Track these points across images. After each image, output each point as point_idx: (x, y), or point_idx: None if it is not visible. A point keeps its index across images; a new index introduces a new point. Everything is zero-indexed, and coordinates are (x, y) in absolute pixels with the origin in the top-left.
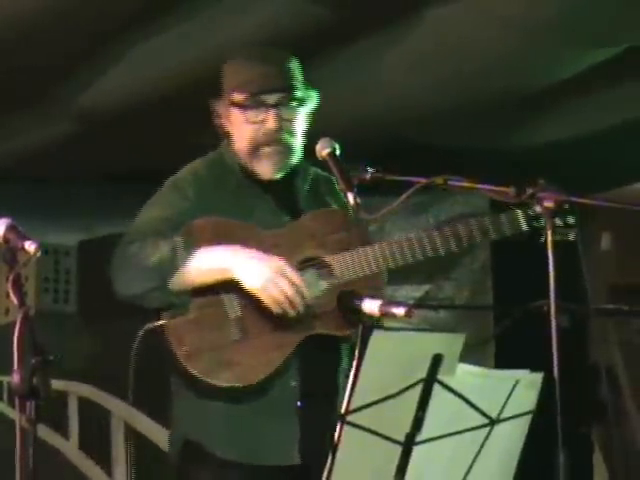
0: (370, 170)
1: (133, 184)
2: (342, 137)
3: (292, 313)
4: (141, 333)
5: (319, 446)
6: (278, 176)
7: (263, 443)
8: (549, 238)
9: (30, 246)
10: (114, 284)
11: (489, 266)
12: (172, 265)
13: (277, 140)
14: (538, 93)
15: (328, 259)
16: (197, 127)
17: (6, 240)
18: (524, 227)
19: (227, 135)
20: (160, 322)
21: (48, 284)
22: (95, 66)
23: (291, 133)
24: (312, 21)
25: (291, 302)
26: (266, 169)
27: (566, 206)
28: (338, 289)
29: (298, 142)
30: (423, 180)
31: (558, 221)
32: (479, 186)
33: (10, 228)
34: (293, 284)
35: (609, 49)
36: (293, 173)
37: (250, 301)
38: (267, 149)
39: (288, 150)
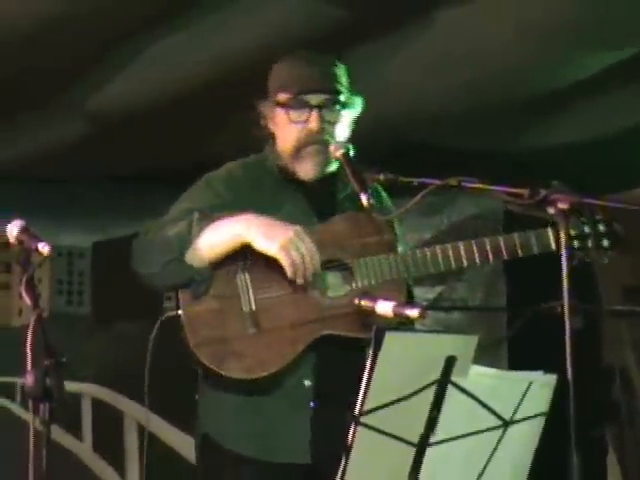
0: (384, 172)
1: (147, 185)
2: (355, 138)
3: (301, 280)
4: (160, 320)
5: (330, 448)
6: (318, 175)
7: (275, 440)
8: (563, 239)
9: (44, 248)
10: (138, 269)
11: (502, 267)
12: (188, 235)
13: (319, 141)
14: (550, 95)
15: (351, 262)
16: (208, 129)
17: (20, 242)
18: (553, 246)
19: (271, 136)
20: (178, 311)
21: (62, 286)
22: (105, 68)
23: (333, 135)
24: (324, 22)
25: (306, 266)
26: (307, 169)
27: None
28: (358, 292)
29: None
30: (437, 181)
31: (590, 243)
32: (493, 187)
33: (23, 230)
34: (310, 249)
35: (621, 51)
36: (334, 180)
37: (267, 295)
38: (309, 149)
39: (329, 152)
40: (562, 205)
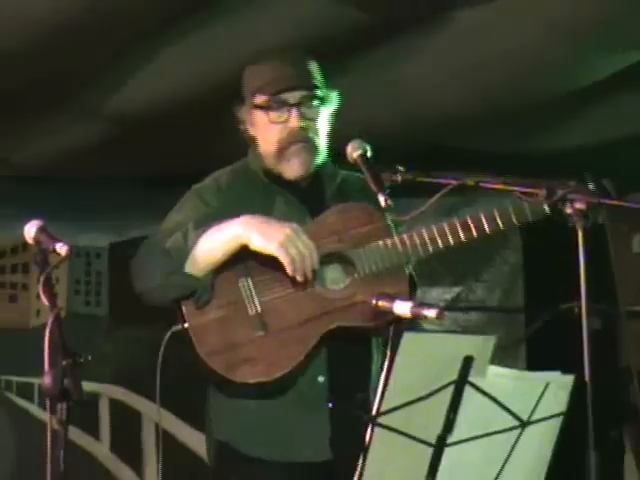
0: (401, 169)
1: (164, 186)
2: (372, 139)
3: (301, 277)
4: (167, 336)
5: (350, 442)
6: (304, 174)
7: (293, 439)
8: (580, 240)
9: (61, 248)
10: (137, 285)
11: (520, 267)
12: (185, 246)
13: (302, 138)
14: (569, 96)
15: (350, 253)
16: (228, 130)
17: (37, 242)
18: (547, 211)
19: (252, 140)
20: (184, 325)
21: (79, 286)
22: (124, 69)
23: (315, 132)
24: (342, 24)
25: (305, 263)
26: (293, 168)
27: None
28: (360, 282)
29: (323, 142)
30: (454, 182)
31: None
32: (511, 187)
33: (41, 230)
34: (308, 245)
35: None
36: (320, 177)
37: (271, 296)
38: (293, 147)
39: (314, 148)
40: (579, 205)
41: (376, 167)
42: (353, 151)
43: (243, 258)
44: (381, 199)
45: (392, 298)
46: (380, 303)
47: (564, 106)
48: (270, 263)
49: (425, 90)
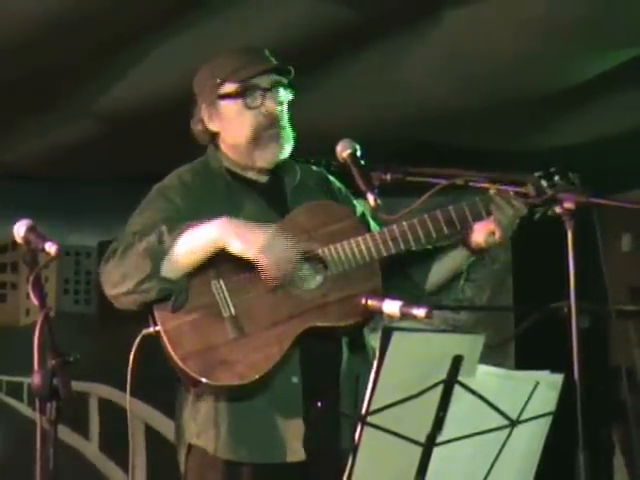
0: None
1: (154, 185)
2: (362, 137)
3: (281, 280)
4: (138, 339)
5: (324, 442)
6: (279, 160)
7: (267, 441)
8: (570, 239)
9: (51, 247)
10: (108, 288)
11: (510, 267)
12: (160, 248)
13: (278, 122)
14: (558, 94)
15: (321, 252)
16: None
17: (27, 241)
18: (483, 214)
19: (214, 137)
20: (156, 328)
21: (69, 285)
22: (113, 68)
23: (285, 117)
24: (332, 22)
25: (286, 266)
26: (269, 154)
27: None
28: (333, 281)
29: (290, 129)
30: (444, 181)
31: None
32: (500, 187)
33: (31, 229)
34: (287, 249)
35: (631, 49)
36: (279, 173)
37: (244, 298)
38: (270, 132)
39: (287, 134)
40: (568, 204)
41: (366, 166)
42: (342, 150)
43: (214, 260)
44: (370, 198)
45: (382, 297)
46: (370, 302)
47: (552, 105)
48: (241, 264)
49: (414, 88)
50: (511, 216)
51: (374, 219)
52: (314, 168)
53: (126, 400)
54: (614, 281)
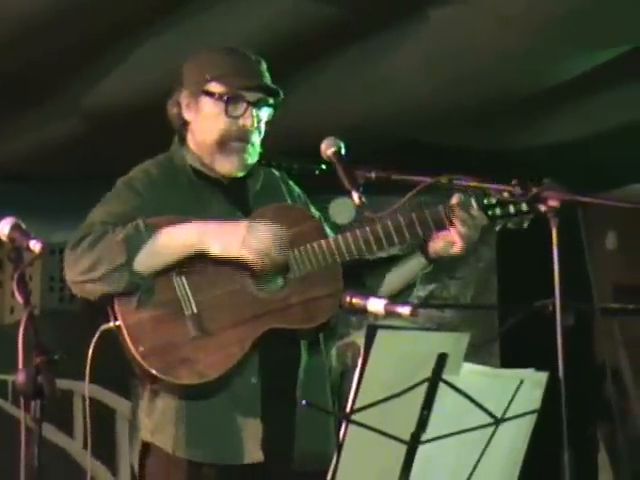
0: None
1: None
2: (347, 136)
3: (273, 267)
4: (97, 334)
5: (282, 443)
6: (239, 174)
7: (226, 441)
8: (554, 237)
9: (35, 245)
10: (73, 274)
11: (494, 265)
12: (138, 241)
13: (248, 138)
14: (543, 93)
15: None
16: None
17: (11, 239)
18: (445, 222)
19: (183, 126)
20: (116, 322)
21: (53, 283)
22: (100, 65)
23: (259, 134)
24: (316, 20)
25: (272, 255)
26: (230, 164)
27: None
28: (295, 283)
29: (259, 144)
30: (428, 180)
31: (512, 208)
32: (485, 185)
33: (15, 227)
34: (267, 237)
35: (613, 49)
36: (244, 174)
37: (206, 297)
38: (237, 144)
39: (253, 150)
40: (553, 203)
41: (350, 164)
42: (327, 148)
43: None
44: (355, 196)
45: (366, 295)
46: (354, 300)
47: (539, 103)
48: (204, 263)
49: (399, 86)
50: (471, 227)
51: (330, 225)
52: (275, 172)
53: (111, 398)
54: (599, 279)
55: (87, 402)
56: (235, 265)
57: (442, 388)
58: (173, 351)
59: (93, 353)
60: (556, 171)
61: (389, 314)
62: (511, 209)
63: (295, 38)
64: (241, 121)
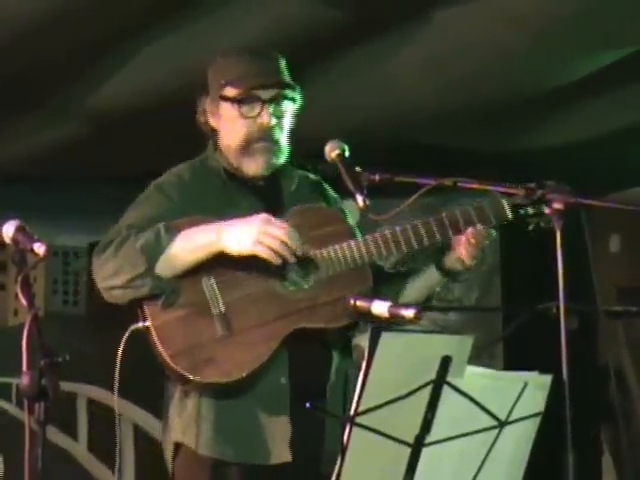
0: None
1: (143, 185)
2: (351, 138)
3: (292, 258)
4: (127, 335)
5: (310, 444)
6: (266, 173)
7: (254, 441)
8: (558, 239)
9: (39, 248)
10: (99, 280)
11: (497, 267)
12: (157, 247)
13: (269, 136)
14: (546, 95)
15: (312, 254)
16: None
17: (15, 242)
18: (509, 215)
19: (212, 131)
20: (146, 323)
21: (57, 286)
22: (104, 67)
23: (281, 131)
24: (321, 22)
25: (288, 246)
26: (256, 165)
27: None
28: (323, 283)
29: (286, 141)
30: (432, 182)
31: (531, 209)
32: (489, 187)
33: (19, 229)
34: (282, 228)
35: (618, 51)
36: (278, 175)
37: (234, 297)
38: (260, 144)
39: (278, 148)
40: (557, 205)
41: (354, 167)
42: (331, 151)
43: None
44: (359, 199)
45: (370, 298)
46: (358, 303)
47: (541, 105)
48: (233, 263)
49: (402, 88)
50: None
51: (359, 227)
52: (311, 176)
53: (113, 400)
54: (602, 281)
55: (115, 396)
56: (264, 265)
57: (446, 391)
58: (200, 350)
59: (122, 353)
60: (559, 173)
61: (393, 317)
62: (544, 208)
63: (299, 40)
64: (259, 120)
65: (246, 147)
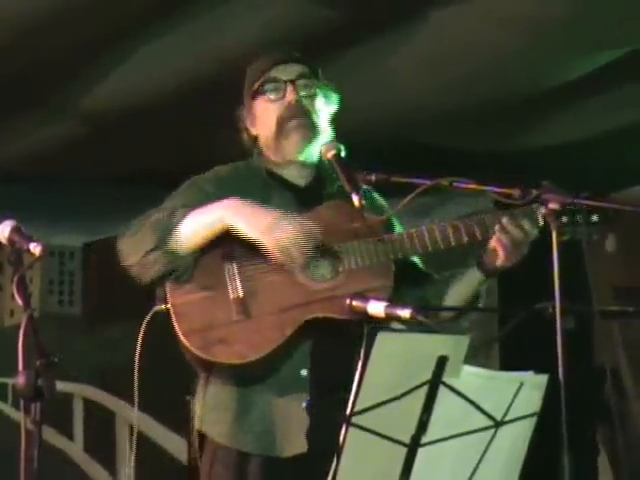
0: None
1: (139, 185)
2: (348, 137)
3: (300, 259)
4: (149, 315)
5: (327, 436)
6: (305, 150)
7: (275, 433)
8: (554, 239)
9: (35, 248)
10: (122, 259)
11: None
12: (169, 223)
13: (300, 113)
14: (543, 95)
15: (337, 247)
16: (202, 129)
17: (11, 242)
18: (540, 223)
19: (254, 141)
20: (167, 305)
21: (53, 286)
22: (100, 67)
23: (312, 108)
24: (318, 22)
25: (291, 252)
26: (293, 143)
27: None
28: (345, 276)
29: (322, 123)
30: (428, 182)
31: (579, 218)
32: (485, 188)
33: (15, 230)
34: (293, 233)
35: (614, 51)
36: (320, 180)
37: (254, 283)
38: (292, 122)
39: (312, 125)
40: (553, 205)
41: (350, 167)
42: (327, 151)
43: (231, 242)
44: (355, 199)
45: (366, 298)
46: (354, 303)
47: (538, 105)
48: (255, 250)
49: (399, 88)
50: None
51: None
52: (363, 186)
53: (111, 400)
54: (598, 281)
55: (136, 378)
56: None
57: (442, 391)
58: (214, 331)
59: (142, 339)
60: (556, 173)
61: (389, 317)
62: (578, 218)
63: (296, 40)
64: (286, 100)
65: (280, 130)
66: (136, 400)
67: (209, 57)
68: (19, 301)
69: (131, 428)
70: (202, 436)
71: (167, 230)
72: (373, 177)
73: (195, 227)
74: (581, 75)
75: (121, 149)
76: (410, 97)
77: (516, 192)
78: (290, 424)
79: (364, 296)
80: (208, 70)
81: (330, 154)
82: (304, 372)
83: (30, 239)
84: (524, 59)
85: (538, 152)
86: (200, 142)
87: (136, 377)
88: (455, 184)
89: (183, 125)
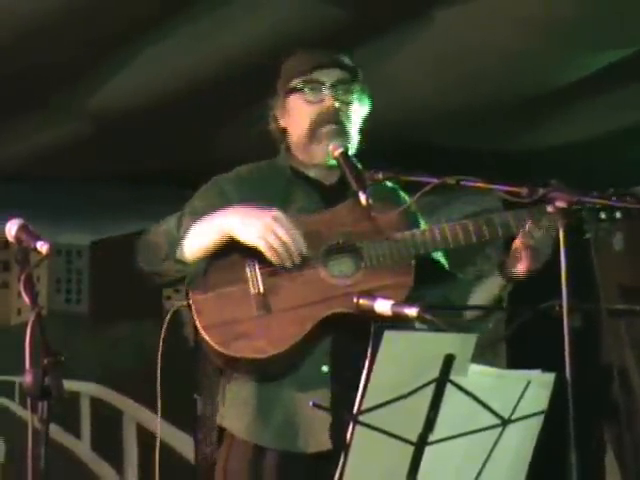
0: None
1: (146, 185)
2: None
3: (289, 263)
4: (171, 312)
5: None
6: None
7: (296, 429)
8: (562, 238)
9: (42, 246)
10: (140, 266)
11: None
12: (177, 233)
13: (335, 120)
14: (550, 94)
15: (359, 243)
16: (207, 129)
17: (18, 240)
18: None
19: (282, 133)
20: (187, 302)
21: (60, 284)
22: (105, 67)
23: (347, 116)
24: (322, 21)
25: (289, 250)
26: (324, 149)
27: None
28: (366, 273)
29: (354, 130)
30: (435, 180)
31: (603, 214)
32: (492, 186)
33: (22, 228)
34: (289, 232)
35: (619, 50)
36: (345, 181)
37: (275, 279)
38: (326, 128)
39: (345, 133)
40: (560, 204)
41: (357, 165)
42: (334, 149)
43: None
44: (362, 197)
45: (374, 297)
46: (361, 302)
47: (543, 104)
48: None
49: (404, 88)
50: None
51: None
52: (388, 183)
53: (118, 399)
54: (605, 280)
55: (158, 384)
56: (310, 252)
57: (449, 389)
58: (234, 326)
59: (163, 340)
60: (562, 172)
61: (396, 315)
62: (602, 215)
63: (300, 40)
64: (323, 104)
65: (312, 133)
66: (159, 406)
67: (211, 58)
68: (26, 299)
69: (139, 427)
70: (220, 431)
71: (174, 242)
72: (380, 175)
73: (198, 239)
74: (587, 74)
75: (128, 149)
76: (415, 97)
77: (523, 190)
78: (313, 420)
79: (371, 294)
80: (210, 71)
81: (337, 152)
82: (325, 368)
83: (37, 237)
84: (529, 59)
85: (543, 151)
86: (202, 142)
87: (158, 383)
88: (462, 182)
89: (186, 125)
